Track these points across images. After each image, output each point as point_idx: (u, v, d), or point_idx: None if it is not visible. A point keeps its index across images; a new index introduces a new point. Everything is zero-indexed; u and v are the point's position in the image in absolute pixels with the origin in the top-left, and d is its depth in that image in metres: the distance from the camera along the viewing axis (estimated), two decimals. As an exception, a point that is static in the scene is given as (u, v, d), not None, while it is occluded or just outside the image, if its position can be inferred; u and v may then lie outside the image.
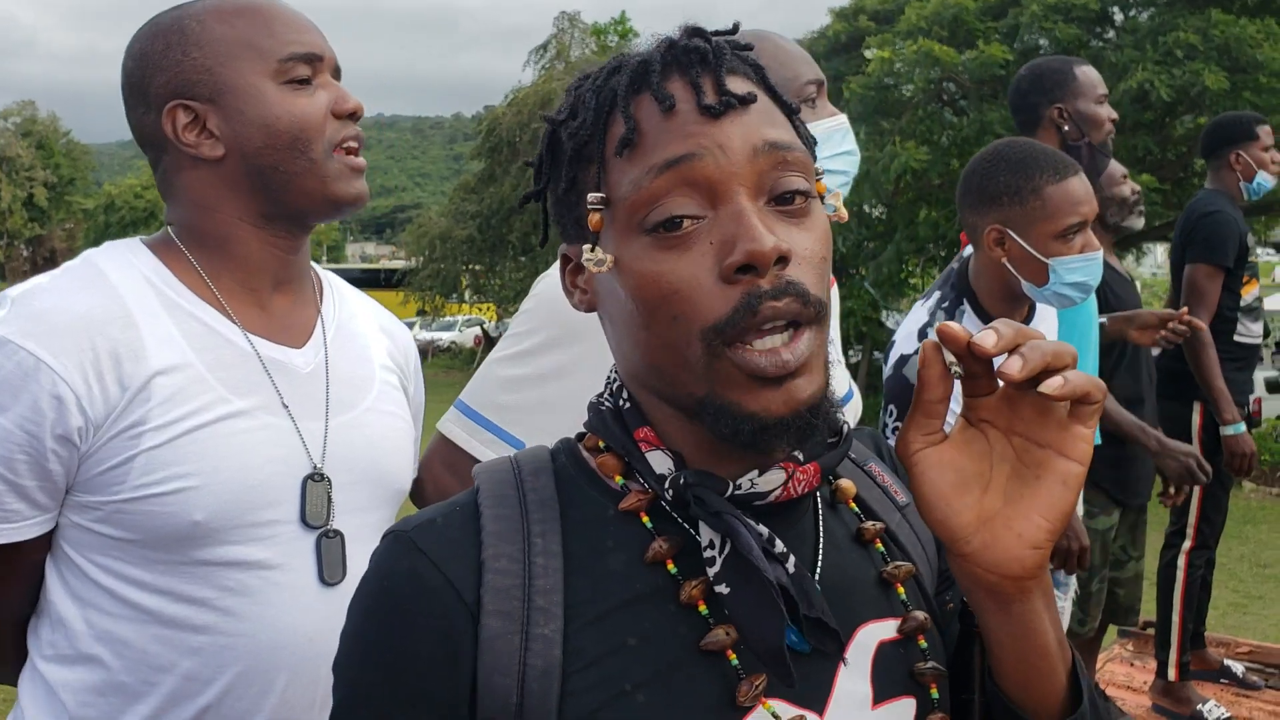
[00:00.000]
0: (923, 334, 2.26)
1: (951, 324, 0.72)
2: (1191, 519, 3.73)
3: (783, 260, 0.74)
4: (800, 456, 0.81)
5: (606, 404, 0.86)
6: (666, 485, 0.79)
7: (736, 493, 0.78)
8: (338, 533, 1.31)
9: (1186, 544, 3.74)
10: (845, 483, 0.90)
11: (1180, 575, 3.75)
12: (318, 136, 1.32)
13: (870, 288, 15.83)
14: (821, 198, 0.82)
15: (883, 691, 0.82)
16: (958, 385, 0.76)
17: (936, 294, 2.34)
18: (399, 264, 36.44)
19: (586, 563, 0.79)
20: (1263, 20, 13.67)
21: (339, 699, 0.80)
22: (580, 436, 0.89)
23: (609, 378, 0.88)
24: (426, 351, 32.71)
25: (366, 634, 0.79)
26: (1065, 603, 2.81)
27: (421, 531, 0.80)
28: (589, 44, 29.21)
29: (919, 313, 2.33)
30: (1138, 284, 3.27)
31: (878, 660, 0.83)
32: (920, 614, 0.86)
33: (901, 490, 0.95)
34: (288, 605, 1.26)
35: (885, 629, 0.85)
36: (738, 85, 0.78)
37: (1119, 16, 15.81)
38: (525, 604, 0.76)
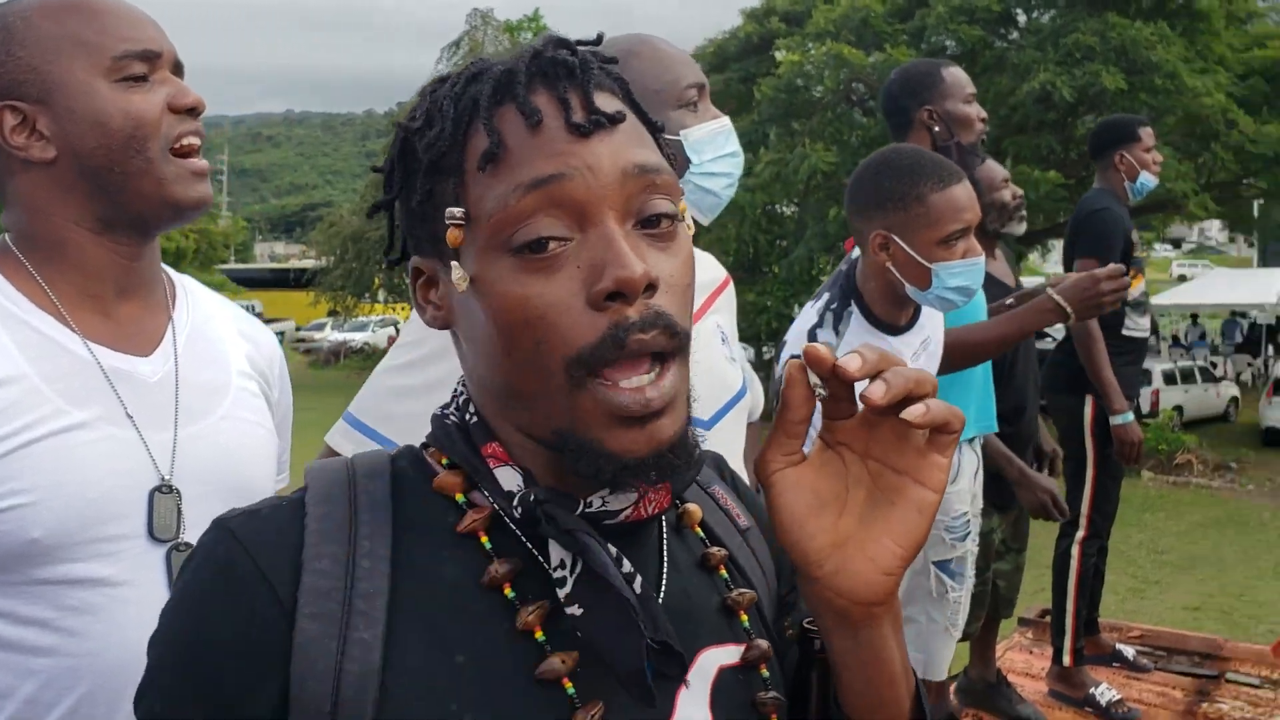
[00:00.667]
0: (812, 335, 2.28)
1: (818, 345, 0.71)
2: (1084, 509, 3.82)
3: (651, 287, 0.71)
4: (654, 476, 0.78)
5: (452, 418, 0.82)
6: (515, 503, 0.76)
7: (587, 510, 0.75)
8: (190, 546, 1.26)
9: (1080, 533, 3.82)
10: (692, 507, 0.88)
11: (1074, 564, 3.84)
12: (154, 134, 1.27)
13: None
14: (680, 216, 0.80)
15: (722, 718, 0.81)
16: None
17: (826, 295, 2.36)
18: (309, 263, 35.75)
19: (418, 572, 0.75)
20: (1156, 24, 14.15)
21: (143, 677, 0.75)
22: (425, 445, 0.84)
23: (455, 390, 0.84)
24: (339, 353, 32.19)
25: (172, 621, 0.75)
26: (961, 594, 2.83)
27: (243, 522, 0.75)
28: (502, 41, 29.01)
29: (809, 314, 2.35)
30: (1042, 281, 3.27)
31: (717, 686, 0.81)
32: (763, 643, 0.84)
33: (743, 514, 0.94)
34: (135, 622, 1.20)
35: (726, 654, 0.83)
36: (606, 103, 0.75)
37: (1022, 18, 16.23)
38: (345, 607, 0.71)
